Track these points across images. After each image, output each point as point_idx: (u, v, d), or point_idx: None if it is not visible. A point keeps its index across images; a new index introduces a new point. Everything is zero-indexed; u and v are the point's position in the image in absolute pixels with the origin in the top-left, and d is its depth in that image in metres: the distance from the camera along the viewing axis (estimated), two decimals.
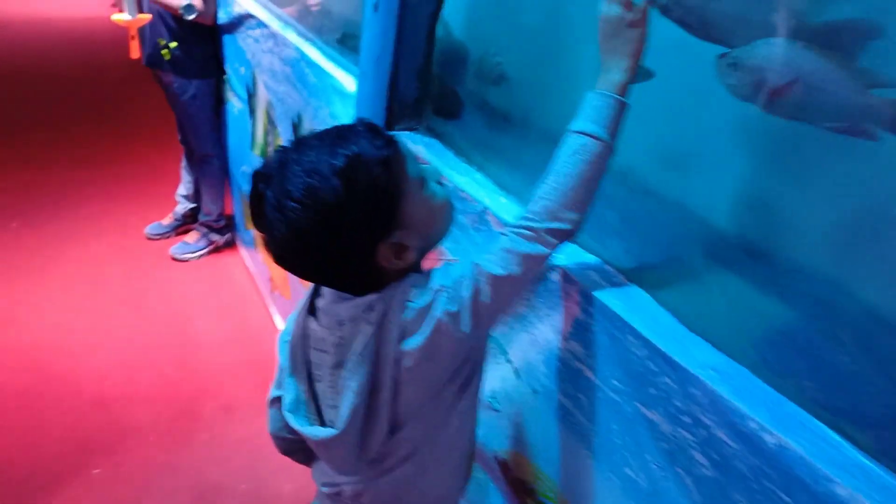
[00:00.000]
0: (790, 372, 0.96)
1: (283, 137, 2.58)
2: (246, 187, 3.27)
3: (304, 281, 1.19)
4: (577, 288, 1.17)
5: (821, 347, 0.97)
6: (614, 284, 1.17)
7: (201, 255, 3.69)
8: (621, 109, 1.03)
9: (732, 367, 0.98)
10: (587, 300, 1.15)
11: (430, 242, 1.11)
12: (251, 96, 2.97)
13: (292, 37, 2.41)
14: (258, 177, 1.03)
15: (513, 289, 1.04)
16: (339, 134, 1.03)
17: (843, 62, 0.93)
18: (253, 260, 3.51)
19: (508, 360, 1.39)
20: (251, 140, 3.06)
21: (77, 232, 3.86)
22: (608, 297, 1.13)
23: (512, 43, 1.55)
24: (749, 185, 1.15)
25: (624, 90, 1.03)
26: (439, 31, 1.72)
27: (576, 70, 1.41)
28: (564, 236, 1.03)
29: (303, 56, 2.27)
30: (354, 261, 1.03)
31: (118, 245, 3.77)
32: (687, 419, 0.99)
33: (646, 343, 1.04)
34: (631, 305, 1.11)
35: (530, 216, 1.03)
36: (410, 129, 1.75)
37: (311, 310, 1.15)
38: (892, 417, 0.88)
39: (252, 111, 2.99)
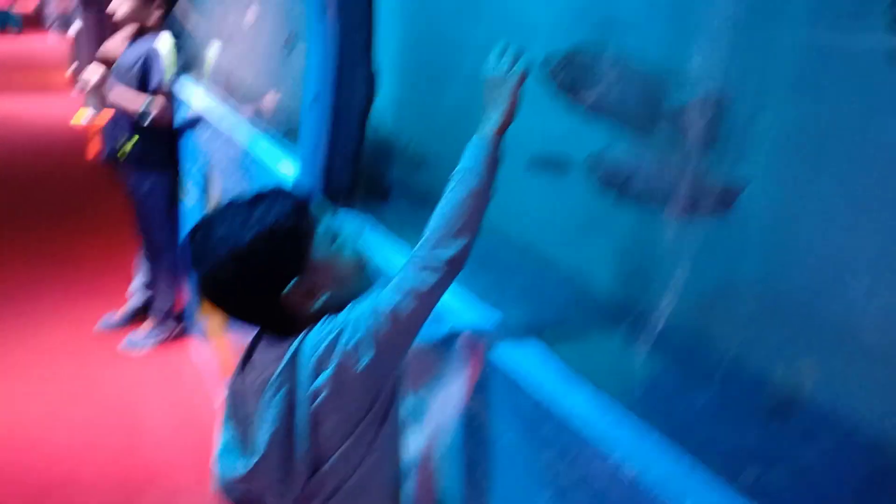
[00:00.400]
0: (658, 410, 1.08)
1: None
2: None
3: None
4: (480, 343, 1.29)
5: (682, 390, 1.10)
6: (513, 341, 1.29)
7: (152, 346, 3.73)
8: (494, 151, 1.18)
9: (608, 407, 1.09)
10: (488, 353, 1.27)
11: (342, 295, 1.23)
12: (205, 189, 3.12)
13: (243, 132, 2.58)
14: (193, 228, 1.20)
15: (405, 319, 1.14)
16: (260, 193, 1.21)
17: (679, 156, 1.10)
18: (203, 350, 3.56)
19: (425, 424, 1.48)
20: None
21: (31, 326, 3.89)
22: (506, 352, 1.25)
23: (430, 132, 1.72)
24: (625, 257, 1.30)
25: (498, 135, 1.19)
26: (371, 122, 1.90)
27: None
28: (446, 265, 1.14)
29: (251, 149, 2.43)
30: (265, 298, 1.17)
31: (71, 338, 3.80)
32: (569, 458, 1.09)
33: (536, 390, 1.15)
34: (525, 358, 1.23)
35: (416, 251, 1.16)
36: (343, 212, 1.89)
37: (247, 363, 1.27)
38: (739, 445, 1.00)
39: (206, 203, 3.13)
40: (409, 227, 1.74)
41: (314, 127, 1.86)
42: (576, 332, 1.33)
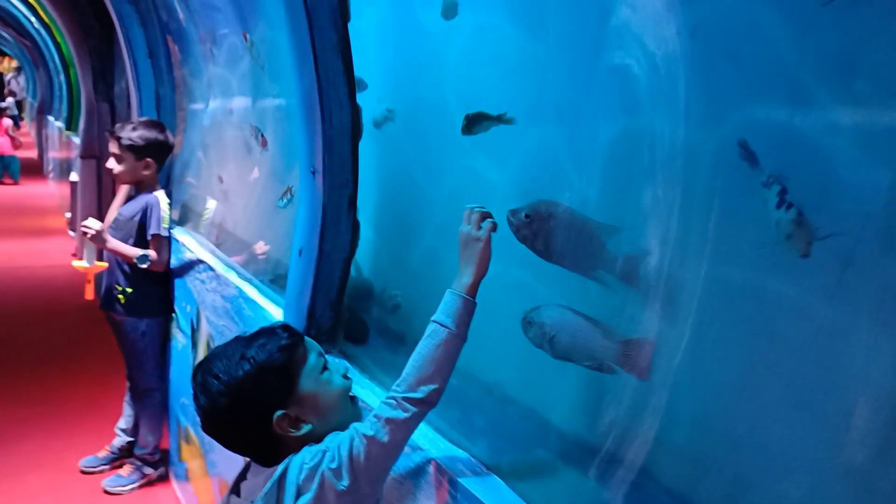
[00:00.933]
0: None
1: None
2: (184, 418, 3.44)
3: None
4: (447, 477, 1.40)
5: None
6: (477, 474, 1.40)
7: (133, 489, 3.73)
8: (467, 304, 1.32)
9: None
10: (454, 486, 1.38)
11: (329, 423, 1.35)
12: (195, 331, 3.25)
13: (233, 278, 2.75)
14: (198, 363, 1.38)
15: (381, 449, 1.26)
16: (258, 331, 1.38)
17: (593, 320, 1.31)
18: (184, 492, 3.57)
19: None
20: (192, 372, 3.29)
21: (12, 467, 3.89)
22: (471, 484, 1.36)
23: (404, 278, 1.89)
24: (578, 396, 1.45)
25: (471, 289, 1.32)
26: (352, 271, 2.07)
27: None
28: (421, 403, 1.27)
29: (241, 293, 2.59)
30: (254, 428, 1.30)
31: (52, 480, 3.79)
32: None
33: None
34: (487, 490, 1.34)
35: (394, 388, 1.29)
36: (326, 353, 2.03)
37: (237, 490, 1.37)
38: None
39: (195, 345, 3.25)
40: (386, 365, 1.88)
41: (300, 276, 2.03)
42: (533, 467, 1.44)
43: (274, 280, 2.57)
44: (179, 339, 3.54)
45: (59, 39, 10.35)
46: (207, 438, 3.00)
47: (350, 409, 1.41)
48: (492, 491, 1.34)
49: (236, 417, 1.32)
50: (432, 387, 1.28)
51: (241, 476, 1.41)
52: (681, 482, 1.25)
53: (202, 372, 1.36)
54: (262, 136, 2.91)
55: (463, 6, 1.71)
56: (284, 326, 1.40)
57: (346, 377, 1.42)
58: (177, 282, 3.57)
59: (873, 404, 0.96)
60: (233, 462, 2.67)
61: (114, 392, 4.29)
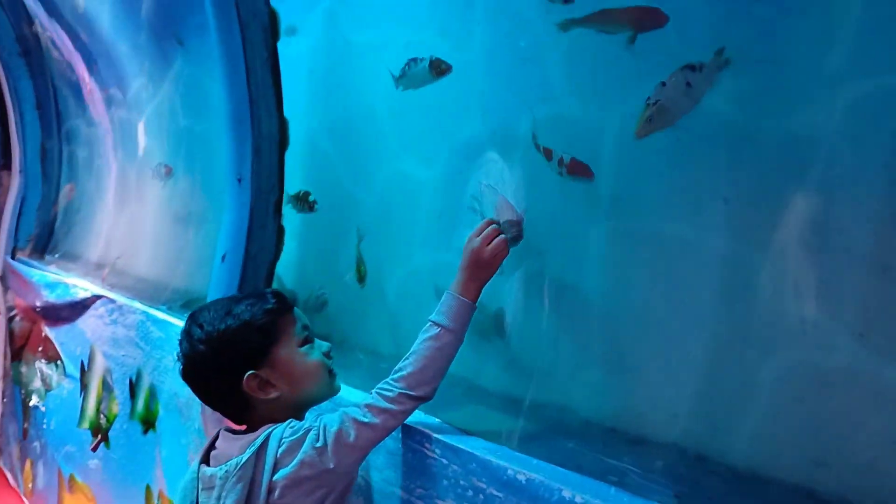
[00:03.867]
0: (535, 448, 1.34)
1: (119, 399, 2.78)
2: (67, 467, 3.29)
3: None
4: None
5: (549, 436, 1.39)
6: (417, 417, 1.51)
7: None
8: (466, 306, 1.36)
9: (496, 447, 1.34)
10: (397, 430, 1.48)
11: (300, 394, 1.42)
12: (85, 373, 3.16)
13: (137, 305, 2.73)
14: (189, 314, 1.45)
15: (371, 434, 1.31)
16: (249, 293, 1.50)
17: None
18: None
19: None
20: (79, 417, 3.18)
21: None
22: (412, 422, 1.46)
23: (330, 282, 2.03)
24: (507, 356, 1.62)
25: (473, 293, 1.36)
26: (274, 283, 2.17)
27: (379, 297, 1.91)
28: (419, 399, 1.33)
29: (148, 317, 2.59)
30: (226, 381, 1.37)
31: None
32: (470, 493, 1.31)
33: (438, 443, 1.38)
34: (428, 424, 1.46)
35: (391, 381, 1.34)
36: None
37: (206, 459, 1.40)
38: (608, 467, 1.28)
39: (84, 386, 3.15)
40: None
41: (225, 281, 2.11)
42: (462, 410, 1.57)
43: (186, 304, 2.59)
44: (65, 386, 3.41)
45: None
46: (97, 479, 2.91)
47: (326, 384, 1.45)
48: (429, 423, 1.46)
49: (211, 369, 1.38)
50: (429, 388, 1.33)
51: (210, 446, 1.42)
52: (591, 407, 1.44)
53: (190, 320, 1.42)
54: (166, 166, 2.97)
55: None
56: (275, 293, 1.47)
57: (328, 356, 1.46)
58: (64, 328, 3.46)
59: None
60: (131, 495, 2.60)
61: None
